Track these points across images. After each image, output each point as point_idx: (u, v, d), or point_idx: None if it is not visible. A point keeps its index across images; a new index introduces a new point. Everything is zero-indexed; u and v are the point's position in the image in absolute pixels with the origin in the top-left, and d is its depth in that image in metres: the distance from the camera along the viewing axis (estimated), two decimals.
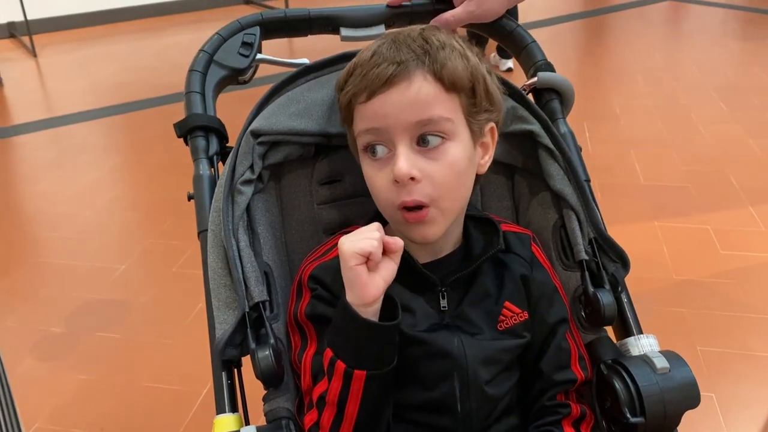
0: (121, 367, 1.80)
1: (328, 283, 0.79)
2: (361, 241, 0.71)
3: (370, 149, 0.77)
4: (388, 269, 0.73)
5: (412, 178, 0.73)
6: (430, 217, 0.75)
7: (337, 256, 0.77)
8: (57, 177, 2.91)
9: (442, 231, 0.78)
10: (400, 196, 0.75)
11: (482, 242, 0.84)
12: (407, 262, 0.78)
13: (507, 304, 0.81)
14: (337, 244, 0.80)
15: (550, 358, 0.82)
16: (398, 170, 0.73)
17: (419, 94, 0.74)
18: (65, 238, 2.44)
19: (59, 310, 2.04)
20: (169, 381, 1.74)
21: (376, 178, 0.77)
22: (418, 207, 0.75)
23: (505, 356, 0.81)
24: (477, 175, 0.82)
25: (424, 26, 0.81)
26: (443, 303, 0.80)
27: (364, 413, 0.73)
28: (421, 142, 0.75)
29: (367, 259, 0.71)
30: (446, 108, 0.75)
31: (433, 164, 0.75)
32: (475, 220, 0.86)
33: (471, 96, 0.78)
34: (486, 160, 0.83)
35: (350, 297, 0.71)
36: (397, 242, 0.73)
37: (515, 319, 0.82)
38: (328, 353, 0.73)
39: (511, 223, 0.92)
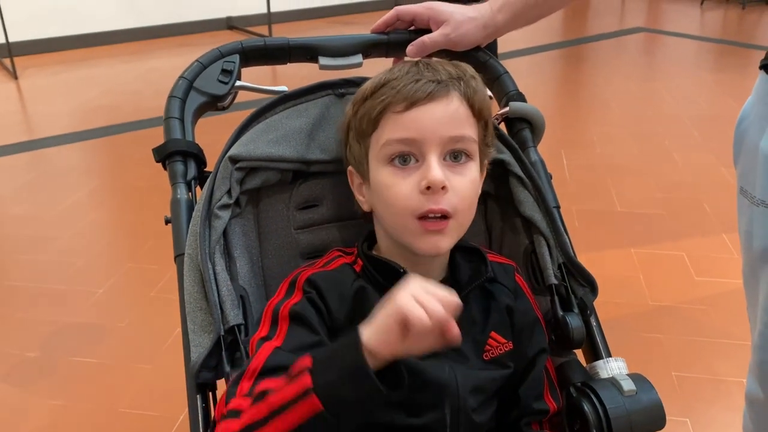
0: (98, 393, 1.78)
1: (324, 292, 0.78)
2: (419, 309, 0.62)
3: (400, 158, 0.78)
4: (424, 346, 0.65)
5: (443, 187, 0.75)
6: (448, 228, 0.77)
7: (337, 270, 0.80)
8: (36, 199, 2.88)
9: (451, 245, 0.80)
10: (425, 204, 0.75)
11: (469, 270, 0.85)
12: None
13: (493, 334, 0.83)
14: (334, 258, 0.83)
15: (529, 386, 0.83)
16: (433, 177, 0.75)
17: (457, 112, 0.78)
18: (43, 260, 2.41)
19: (35, 334, 2.01)
20: (146, 406, 1.72)
21: (399, 185, 0.77)
22: (441, 217, 0.76)
23: (491, 386, 0.82)
24: None
25: (449, 60, 0.85)
26: None
27: None
28: (449, 157, 0.78)
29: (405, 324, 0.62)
30: (473, 131, 0.80)
31: (459, 178, 0.78)
32: (462, 250, 0.87)
33: (485, 128, 0.83)
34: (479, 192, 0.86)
35: (369, 334, 0.64)
36: (456, 335, 0.64)
37: (501, 349, 0.83)
38: (306, 361, 0.66)
39: (495, 254, 0.93)
